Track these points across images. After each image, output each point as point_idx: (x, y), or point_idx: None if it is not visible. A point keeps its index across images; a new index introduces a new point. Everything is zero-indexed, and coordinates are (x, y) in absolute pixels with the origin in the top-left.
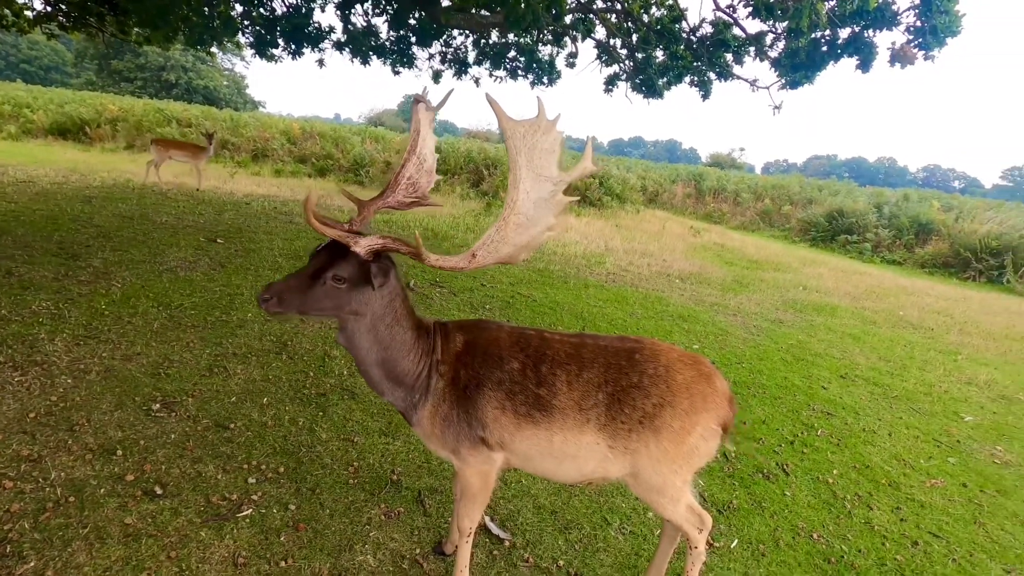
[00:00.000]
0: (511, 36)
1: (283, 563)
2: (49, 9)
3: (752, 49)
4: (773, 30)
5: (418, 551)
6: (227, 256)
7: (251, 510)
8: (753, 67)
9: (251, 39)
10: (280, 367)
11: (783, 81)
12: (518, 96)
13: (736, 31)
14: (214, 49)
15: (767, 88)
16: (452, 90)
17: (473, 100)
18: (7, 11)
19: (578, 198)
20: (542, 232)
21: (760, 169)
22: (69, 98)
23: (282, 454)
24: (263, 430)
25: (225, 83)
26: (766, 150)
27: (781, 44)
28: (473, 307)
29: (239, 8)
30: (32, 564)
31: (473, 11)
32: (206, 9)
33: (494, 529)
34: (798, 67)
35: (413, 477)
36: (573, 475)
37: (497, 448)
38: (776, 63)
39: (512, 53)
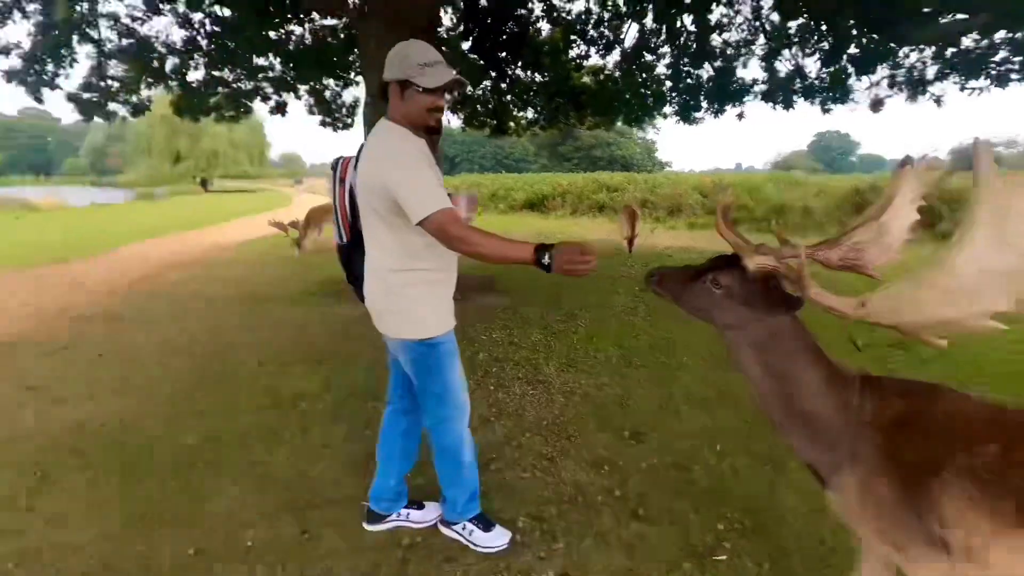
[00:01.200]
0: (999, 34)
1: None
2: (536, 116)
3: None
4: None
5: None
6: (658, 304)
7: (725, 557)
8: None
9: (676, 107)
10: (724, 416)
11: None
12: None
13: None
14: None
15: None
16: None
17: (918, 122)
18: (511, 123)
19: None
20: (980, 316)
21: None
22: (535, 180)
23: (744, 509)
24: (722, 479)
25: (638, 150)
26: None
27: None
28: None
29: (668, 83)
30: (561, 546)
31: (943, 19)
32: (642, 90)
33: None
34: None
35: None
36: None
37: (960, 556)
38: None
39: (1000, 55)
